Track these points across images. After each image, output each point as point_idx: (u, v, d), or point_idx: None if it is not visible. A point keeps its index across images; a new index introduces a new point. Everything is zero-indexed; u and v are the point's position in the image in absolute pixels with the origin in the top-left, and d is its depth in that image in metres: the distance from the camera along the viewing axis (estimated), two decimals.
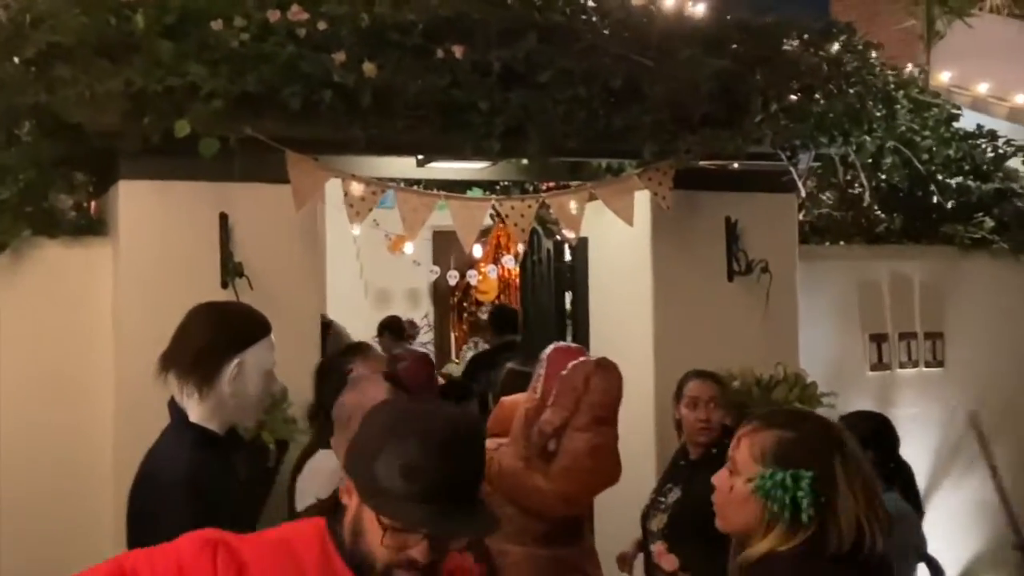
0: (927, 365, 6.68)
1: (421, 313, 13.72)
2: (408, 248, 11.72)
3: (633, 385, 5.89)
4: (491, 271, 13.50)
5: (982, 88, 8.93)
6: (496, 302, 13.41)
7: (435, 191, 5.37)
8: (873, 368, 6.54)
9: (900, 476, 4.67)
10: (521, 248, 7.93)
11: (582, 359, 4.56)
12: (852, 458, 2.55)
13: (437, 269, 12.94)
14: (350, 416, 3.22)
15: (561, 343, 5.02)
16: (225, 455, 3.45)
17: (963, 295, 6.74)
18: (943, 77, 8.86)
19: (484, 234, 12.27)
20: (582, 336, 6.38)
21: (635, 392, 5.84)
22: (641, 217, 5.70)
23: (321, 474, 3.73)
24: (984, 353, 6.64)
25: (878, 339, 6.57)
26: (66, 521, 4.96)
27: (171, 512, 3.15)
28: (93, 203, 5.43)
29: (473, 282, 13.49)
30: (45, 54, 4.74)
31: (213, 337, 3.41)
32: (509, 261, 13.32)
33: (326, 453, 3.82)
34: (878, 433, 4.65)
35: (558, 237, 6.58)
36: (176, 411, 3.46)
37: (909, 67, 6.53)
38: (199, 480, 3.22)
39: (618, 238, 5.91)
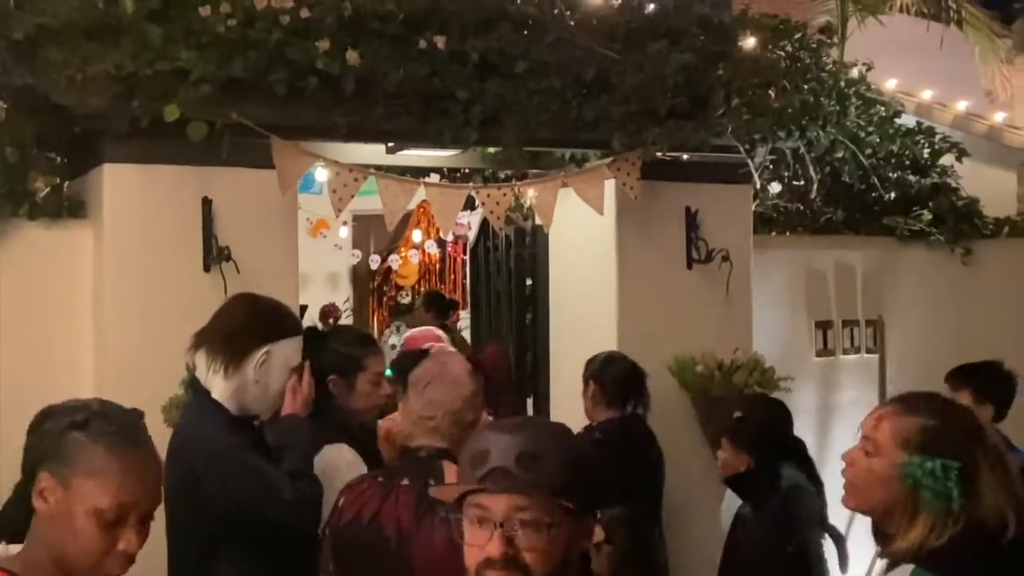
0: (868, 352, 6.98)
1: (342, 297, 13.72)
2: (343, 232, 11.79)
3: None
4: (413, 256, 13.59)
5: (891, 84, 9.29)
6: (420, 287, 13.51)
7: (413, 178, 5.47)
8: (819, 354, 6.81)
9: (796, 452, 4.98)
10: (471, 235, 8.06)
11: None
12: (992, 448, 2.60)
13: (358, 253, 12.99)
14: (428, 383, 3.32)
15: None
16: (246, 433, 3.57)
17: (901, 284, 7.05)
18: (854, 73, 9.18)
19: (405, 218, 12.34)
20: (542, 322, 6.54)
21: None
22: (604, 206, 5.86)
23: (341, 468, 3.81)
24: (920, 340, 6.95)
25: (823, 326, 6.85)
26: None
27: (226, 489, 3.28)
28: (66, 185, 5.41)
29: (395, 267, 13.55)
30: (33, 36, 4.73)
31: (248, 322, 3.56)
32: (431, 246, 13.44)
33: (335, 447, 3.91)
34: (772, 413, 5.03)
35: (521, 224, 6.71)
36: (199, 390, 3.57)
37: (857, 65, 6.79)
38: (241, 451, 3.37)
39: (579, 226, 6.07)
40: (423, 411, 3.29)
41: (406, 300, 13.77)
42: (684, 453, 5.74)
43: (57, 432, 2.17)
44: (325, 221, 11.03)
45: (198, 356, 3.60)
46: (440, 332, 6.14)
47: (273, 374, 3.59)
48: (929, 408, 2.62)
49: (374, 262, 13.11)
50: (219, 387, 3.56)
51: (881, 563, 2.60)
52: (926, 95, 8.82)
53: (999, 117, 9.61)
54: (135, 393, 4.33)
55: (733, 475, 4.84)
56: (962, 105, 9.08)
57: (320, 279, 13.61)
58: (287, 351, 3.62)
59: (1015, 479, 2.61)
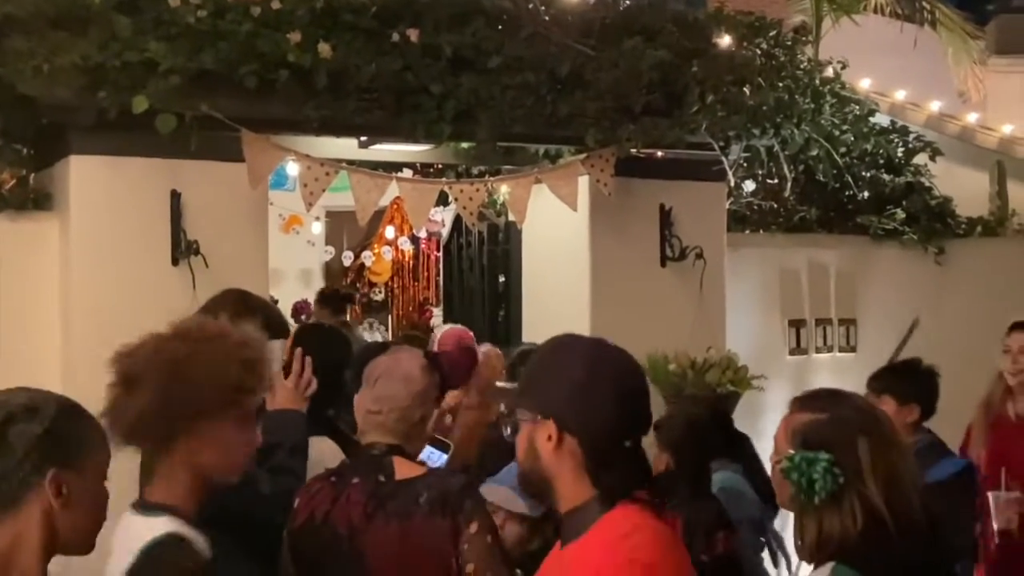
0: (841, 350, 6.98)
1: (313, 293, 13.65)
2: (316, 227, 11.73)
3: None
4: (386, 252, 13.54)
5: (864, 84, 9.30)
6: (393, 284, 13.45)
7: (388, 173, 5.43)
8: (792, 352, 6.81)
9: (732, 453, 4.95)
10: (445, 232, 8.02)
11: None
12: (881, 442, 2.59)
13: (331, 250, 12.93)
14: (378, 378, 3.31)
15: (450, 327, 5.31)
16: None
17: (874, 283, 7.05)
18: (829, 71, 9.19)
19: (378, 215, 12.29)
20: (515, 318, 6.51)
21: None
22: (578, 203, 5.83)
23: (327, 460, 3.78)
24: (893, 339, 6.95)
25: (796, 324, 6.84)
26: None
27: None
28: (32, 177, 5.35)
29: (368, 263, 13.50)
30: (0, 25, 4.66)
31: (238, 318, 3.52)
32: (404, 243, 13.39)
33: (318, 440, 3.87)
34: (698, 413, 4.91)
35: (495, 221, 6.68)
36: None
37: (832, 63, 6.78)
38: None
39: (552, 223, 6.04)
40: (371, 405, 3.30)
41: (379, 297, 13.72)
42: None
43: (43, 432, 2.17)
44: (298, 217, 10.98)
45: None
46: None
47: None
48: (820, 404, 2.65)
49: (347, 259, 13.04)
50: None
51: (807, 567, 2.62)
52: (899, 95, 8.84)
53: (972, 117, 9.65)
54: (102, 387, 4.28)
55: (656, 475, 4.74)
56: (935, 105, 9.10)
57: (292, 276, 13.52)
58: (271, 352, 3.60)
59: (906, 473, 2.61)
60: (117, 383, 2.67)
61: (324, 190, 5.16)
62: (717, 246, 6.21)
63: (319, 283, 13.85)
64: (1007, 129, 9.36)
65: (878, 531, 2.50)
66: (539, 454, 2.39)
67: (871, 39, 10.04)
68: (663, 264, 6.09)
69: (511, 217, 6.29)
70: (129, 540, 2.52)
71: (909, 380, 4.83)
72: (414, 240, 13.21)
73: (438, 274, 13.44)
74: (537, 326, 6.37)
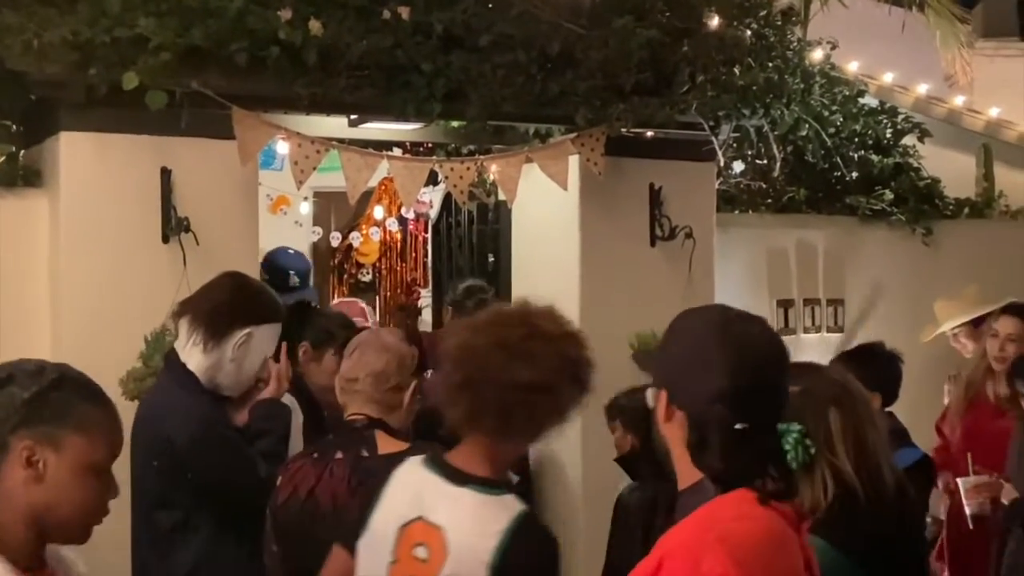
0: (829, 330, 7.00)
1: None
2: (304, 208, 11.74)
3: None
4: (374, 233, 13.53)
5: (852, 67, 9.30)
6: (381, 265, 13.44)
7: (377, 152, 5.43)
8: (780, 332, 6.79)
9: None
10: (433, 212, 8.02)
11: None
12: (850, 413, 2.65)
13: (319, 230, 12.92)
14: (356, 348, 3.35)
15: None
16: (221, 408, 3.57)
17: (863, 264, 7.07)
18: (817, 55, 9.20)
19: (366, 195, 12.26)
20: (504, 297, 6.51)
21: None
22: (568, 182, 5.83)
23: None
24: (880, 319, 6.98)
25: (785, 304, 6.86)
26: None
27: (207, 463, 3.27)
28: (22, 153, 5.33)
29: (356, 244, 13.48)
30: None
31: (235, 300, 3.57)
32: (392, 224, 13.38)
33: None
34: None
35: (484, 200, 6.67)
36: (174, 361, 3.54)
37: (822, 44, 6.79)
38: (219, 426, 3.38)
39: (542, 202, 6.03)
40: (348, 373, 3.34)
41: (367, 278, 13.72)
42: None
43: (32, 396, 2.11)
44: (285, 197, 10.95)
45: (180, 324, 3.59)
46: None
47: (249, 356, 3.63)
48: (796, 375, 2.53)
49: (335, 239, 13.02)
50: (196, 360, 3.58)
51: None
52: (887, 78, 8.85)
53: (959, 101, 9.67)
54: (92, 365, 4.23)
55: (622, 455, 4.77)
56: (922, 88, 9.11)
57: None
58: (266, 336, 3.67)
59: (878, 444, 2.62)
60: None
61: (315, 168, 5.15)
62: (706, 226, 6.21)
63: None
64: (994, 112, 9.40)
65: (849, 502, 2.52)
66: (658, 425, 2.24)
67: (859, 22, 10.02)
68: (652, 244, 6.09)
69: (501, 196, 6.30)
70: (484, 521, 2.51)
71: (869, 367, 4.53)
72: (402, 221, 13.21)
73: (426, 255, 13.42)
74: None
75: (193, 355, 3.54)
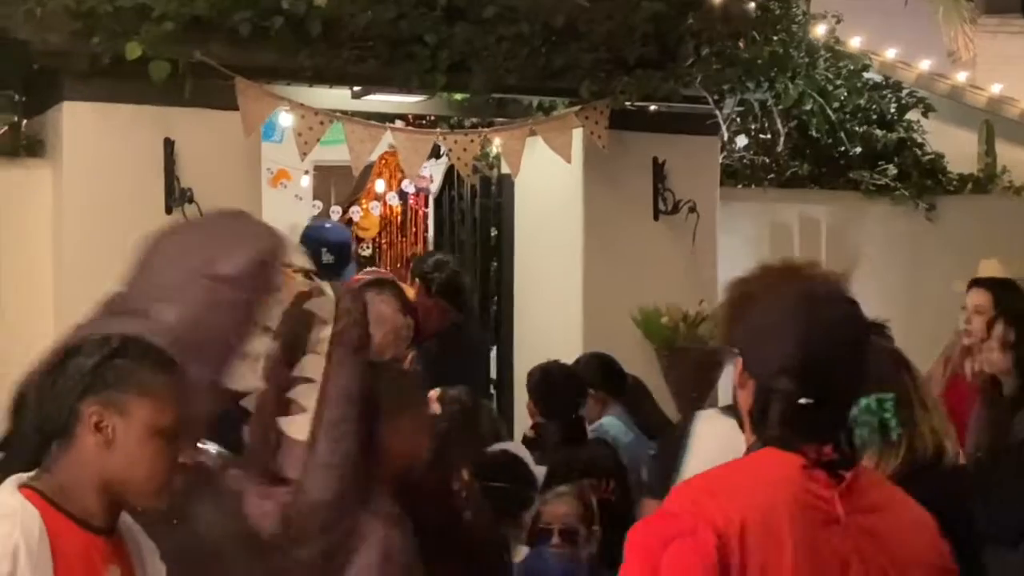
0: None
1: (302, 248, 13.57)
2: (304, 181, 11.72)
3: (561, 319, 6.07)
4: (374, 208, 13.52)
5: (855, 42, 9.26)
6: (381, 239, 13.43)
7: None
8: None
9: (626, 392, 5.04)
10: (434, 187, 7.99)
11: None
12: (917, 375, 2.64)
13: (319, 204, 12.90)
14: None
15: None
16: None
17: (865, 238, 7.05)
18: (820, 30, 9.16)
19: (366, 169, 12.24)
20: (507, 270, 6.50)
21: (563, 324, 6.02)
22: (572, 155, 5.82)
23: None
24: (882, 293, 6.96)
25: None
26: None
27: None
28: (24, 123, 5.31)
29: (356, 218, 13.46)
30: None
31: None
32: (392, 198, 13.37)
33: None
34: (604, 369, 4.98)
35: (487, 173, 6.65)
36: None
37: (827, 18, 6.75)
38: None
39: (545, 176, 6.02)
40: None
41: (367, 252, 13.70)
42: None
43: (97, 363, 2.15)
44: (285, 171, 10.92)
45: None
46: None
47: None
48: None
49: (335, 214, 12.99)
50: None
51: None
52: (890, 54, 8.80)
53: (961, 77, 9.64)
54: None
55: (532, 426, 4.81)
56: (925, 64, 9.08)
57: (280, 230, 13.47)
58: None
59: (940, 405, 2.62)
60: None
61: (319, 140, 5.15)
62: (710, 200, 6.20)
63: None
64: (996, 88, 9.37)
65: (919, 468, 2.50)
66: (734, 391, 2.17)
67: None
68: (656, 217, 6.08)
69: (504, 170, 6.29)
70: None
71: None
72: (402, 196, 13.19)
73: (426, 230, 13.37)
74: (529, 278, 6.38)
75: None
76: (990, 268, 6.09)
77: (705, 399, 6.00)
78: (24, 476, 2.16)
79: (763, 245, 6.78)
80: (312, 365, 2.66)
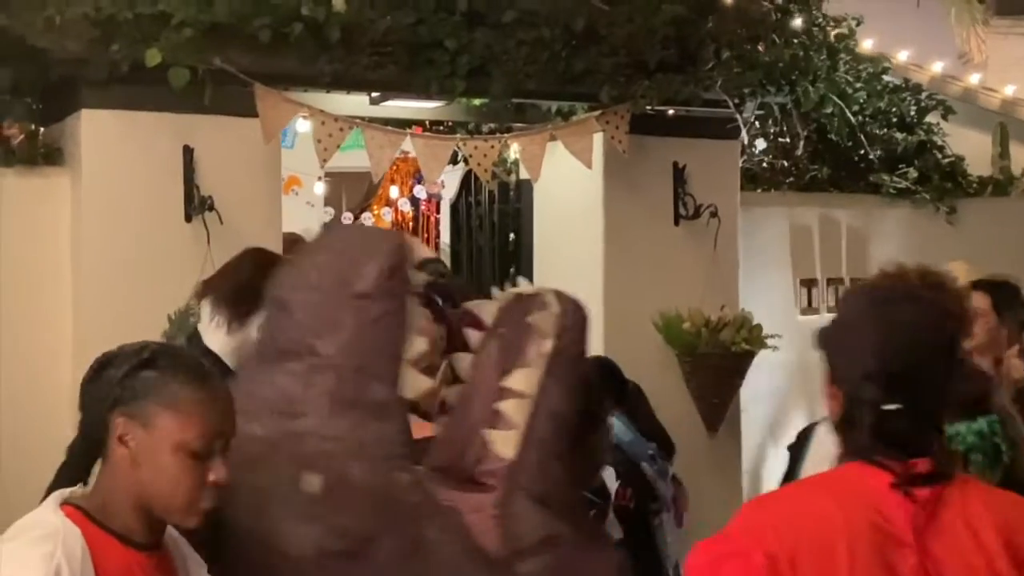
0: None
1: None
2: (319, 188, 11.70)
3: None
4: (386, 214, 13.50)
5: (867, 44, 9.20)
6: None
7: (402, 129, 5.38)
8: (803, 312, 6.76)
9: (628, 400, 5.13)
10: (450, 193, 7.95)
11: None
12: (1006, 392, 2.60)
13: (331, 211, 12.87)
14: None
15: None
16: None
17: (886, 242, 6.99)
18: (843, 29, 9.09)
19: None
20: (526, 276, 6.44)
21: None
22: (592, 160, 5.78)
23: None
24: None
25: (808, 284, 6.79)
26: (23, 452, 4.84)
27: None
28: (42, 131, 5.28)
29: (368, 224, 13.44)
30: None
31: (257, 278, 3.45)
32: (404, 204, 13.33)
33: None
34: (606, 374, 4.97)
35: (505, 179, 6.62)
36: (198, 344, 3.47)
37: (847, 20, 6.70)
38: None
39: (564, 180, 5.98)
40: None
41: None
42: (671, 410, 5.68)
43: (125, 374, 2.11)
44: (296, 178, 10.93)
45: (203, 305, 3.51)
46: None
47: None
48: None
49: (347, 220, 12.99)
50: (219, 342, 3.47)
51: None
52: (902, 56, 8.74)
53: (974, 79, 9.59)
54: (115, 345, 4.20)
55: None
56: (938, 66, 9.03)
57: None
58: None
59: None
60: None
61: (338, 147, 5.11)
62: (730, 204, 6.15)
63: None
64: (1009, 90, 9.32)
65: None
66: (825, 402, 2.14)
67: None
68: (676, 223, 6.03)
69: (522, 175, 6.24)
70: None
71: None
72: (414, 201, 13.17)
73: (438, 235, 13.38)
74: (549, 284, 6.31)
75: (216, 337, 3.46)
76: (957, 269, 6.05)
77: (728, 405, 5.97)
78: (67, 492, 2.13)
79: (784, 250, 6.74)
80: (526, 379, 2.60)
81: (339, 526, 2.42)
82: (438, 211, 13.24)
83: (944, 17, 12.66)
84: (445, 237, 12.50)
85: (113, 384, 2.12)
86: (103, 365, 2.17)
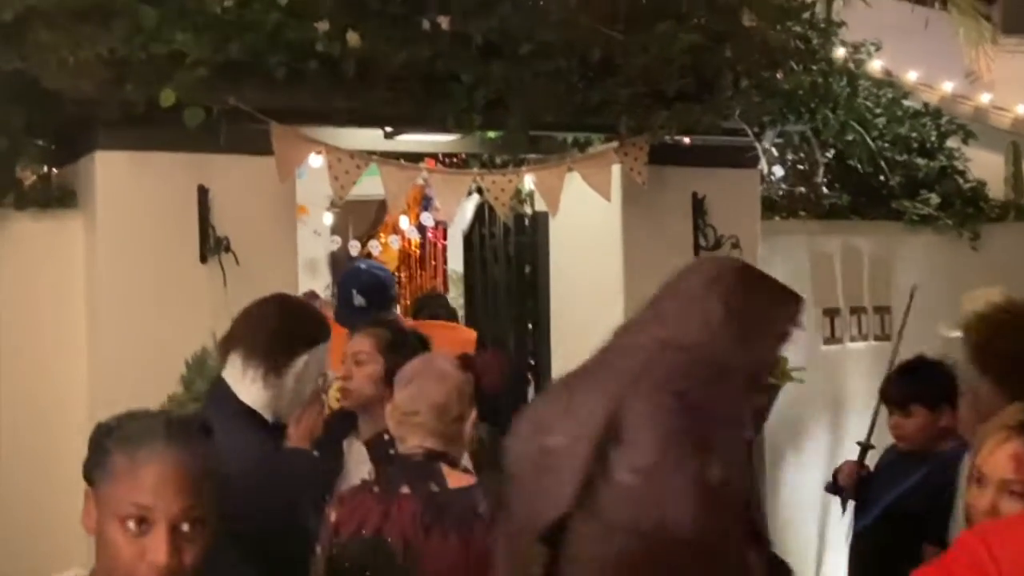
0: (876, 339, 6.83)
1: (321, 283, 13.56)
2: (327, 218, 11.61)
3: None
4: (393, 241, 13.45)
5: (876, 65, 9.13)
6: (400, 273, 13.33)
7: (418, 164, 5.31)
8: (826, 342, 6.66)
9: None
10: (464, 223, 7.88)
11: None
12: None
13: (338, 239, 12.82)
14: (412, 378, 3.21)
15: None
16: (277, 440, 3.41)
17: (909, 270, 6.90)
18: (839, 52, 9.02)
19: (383, 203, 12.17)
20: (543, 310, 6.37)
21: None
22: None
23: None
24: (928, 326, 6.81)
25: (831, 313, 6.69)
26: (37, 499, 4.76)
27: (260, 508, 3.10)
28: (55, 173, 5.21)
29: (375, 252, 13.38)
30: (23, 17, 4.51)
31: (289, 327, 3.42)
32: (413, 232, 13.28)
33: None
34: None
35: (521, 211, 6.53)
36: (225, 393, 3.38)
37: (865, 45, 6.64)
38: (277, 470, 3.22)
39: (580, 212, 5.89)
40: (407, 406, 3.20)
41: None
42: None
43: (92, 445, 2.12)
44: (303, 207, 10.88)
45: (232, 358, 3.40)
46: None
47: (308, 381, 3.46)
48: None
49: (354, 248, 12.95)
50: (252, 395, 3.37)
51: None
52: (911, 76, 8.67)
53: (985, 98, 9.52)
54: (132, 389, 4.15)
55: None
56: (947, 86, 8.96)
57: (299, 265, 13.38)
58: (321, 357, 3.50)
59: None
60: None
61: (355, 182, 5.03)
62: (751, 234, 6.07)
63: (325, 273, 13.75)
64: (1021, 109, 9.24)
65: None
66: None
67: (879, 20, 9.89)
68: (696, 253, 5.94)
69: (538, 206, 6.17)
70: None
71: (935, 382, 4.38)
72: (420, 229, 13.11)
73: (445, 262, 13.31)
74: (566, 318, 6.24)
75: (250, 390, 3.36)
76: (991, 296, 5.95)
77: (755, 440, 5.86)
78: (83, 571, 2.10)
79: (804, 278, 6.64)
80: None
81: None
82: (445, 238, 13.19)
83: (950, 37, 12.61)
84: (452, 264, 12.46)
85: (84, 462, 2.14)
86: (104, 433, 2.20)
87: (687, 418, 2.45)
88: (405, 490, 3.09)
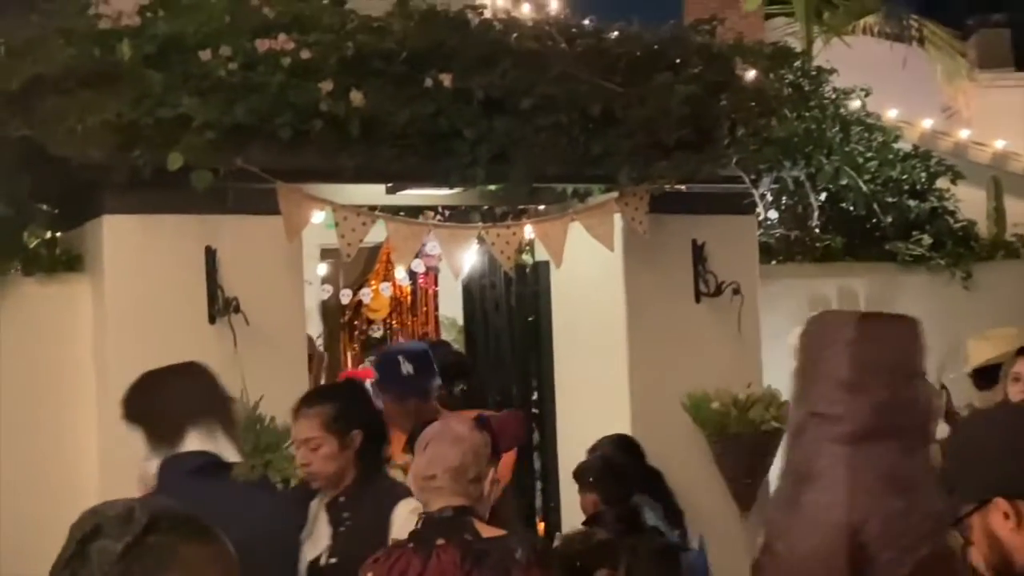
0: None
1: (314, 332, 13.54)
2: (321, 269, 11.55)
3: (607, 408, 5.95)
4: (384, 289, 13.45)
5: (856, 104, 9.23)
6: (391, 321, 13.32)
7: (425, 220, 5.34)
8: None
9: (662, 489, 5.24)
10: (464, 273, 7.89)
11: None
12: None
13: (329, 288, 12.82)
14: (428, 443, 3.25)
15: None
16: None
17: (904, 310, 6.92)
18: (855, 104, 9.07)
19: (374, 251, 12.18)
20: (546, 360, 6.38)
21: (609, 413, 5.89)
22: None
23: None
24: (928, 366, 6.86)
25: None
26: (44, 572, 4.73)
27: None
28: (59, 237, 5.22)
29: (366, 300, 13.37)
30: (29, 86, 4.54)
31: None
32: (405, 279, 13.29)
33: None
34: (615, 449, 5.18)
35: (521, 261, 6.56)
36: (210, 459, 3.35)
37: (855, 91, 6.73)
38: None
39: (583, 261, 5.92)
40: (424, 471, 3.23)
41: (377, 334, 13.59)
42: (703, 491, 5.62)
43: (123, 548, 1.84)
44: None
45: (202, 431, 3.44)
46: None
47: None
48: None
49: (345, 296, 12.94)
50: (232, 452, 3.41)
51: None
52: (891, 114, 8.77)
53: (964, 134, 9.63)
54: (139, 449, 4.11)
55: (589, 517, 4.78)
56: (927, 123, 9.05)
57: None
58: None
59: None
60: None
61: (362, 239, 5.07)
62: (750, 280, 6.11)
63: (317, 321, 13.72)
64: (1000, 144, 9.35)
65: None
66: (1000, 539, 2.07)
67: (858, 59, 10.00)
68: (698, 300, 5.99)
69: (538, 255, 6.20)
70: None
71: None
72: (411, 275, 13.12)
73: (436, 308, 13.29)
74: (570, 367, 6.26)
75: (231, 450, 3.39)
76: (1007, 336, 6.01)
77: (760, 484, 5.89)
78: None
79: (802, 321, 6.67)
80: None
81: None
82: (436, 284, 13.17)
83: (928, 74, 12.78)
84: (443, 310, 12.45)
85: (113, 560, 1.84)
86: (87, 538, 1.86)
87: None
88: (441, 541, 3.12)
